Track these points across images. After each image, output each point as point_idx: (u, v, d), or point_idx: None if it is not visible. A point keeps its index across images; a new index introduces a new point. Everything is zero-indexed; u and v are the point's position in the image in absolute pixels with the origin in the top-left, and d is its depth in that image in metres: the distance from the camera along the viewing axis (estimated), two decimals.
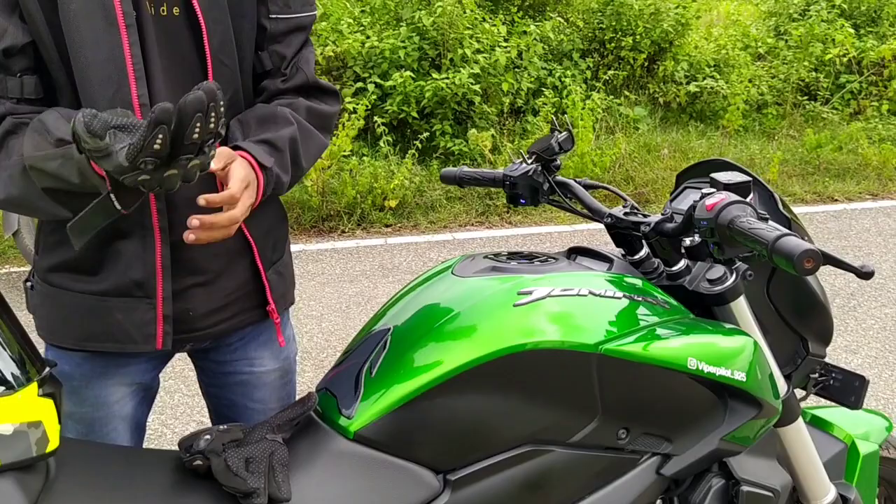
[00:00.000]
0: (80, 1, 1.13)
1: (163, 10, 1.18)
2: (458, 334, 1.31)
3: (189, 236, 1.10)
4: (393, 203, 5.44)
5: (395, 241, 5.16)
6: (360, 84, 6.47)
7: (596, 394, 1.32)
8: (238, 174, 1.14)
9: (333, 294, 4.24)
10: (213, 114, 0.94)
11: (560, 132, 1.68)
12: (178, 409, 3.13)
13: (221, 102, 0.95)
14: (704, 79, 7.52)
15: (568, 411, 1.31)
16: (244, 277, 1.36)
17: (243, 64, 1.29)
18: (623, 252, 1.59)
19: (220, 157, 1.13)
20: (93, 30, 1.14)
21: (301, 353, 3.57)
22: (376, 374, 1.30)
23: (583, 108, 6.43)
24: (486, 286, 1.37)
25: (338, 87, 6.48)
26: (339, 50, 6.57)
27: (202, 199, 1.10)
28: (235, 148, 1.20)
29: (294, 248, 4.98)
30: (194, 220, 1.09)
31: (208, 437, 1.21)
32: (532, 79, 6.94)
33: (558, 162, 1.69)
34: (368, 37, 6.66)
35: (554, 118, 1.79)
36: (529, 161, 1.69)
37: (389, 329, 1.37)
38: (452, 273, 1.43)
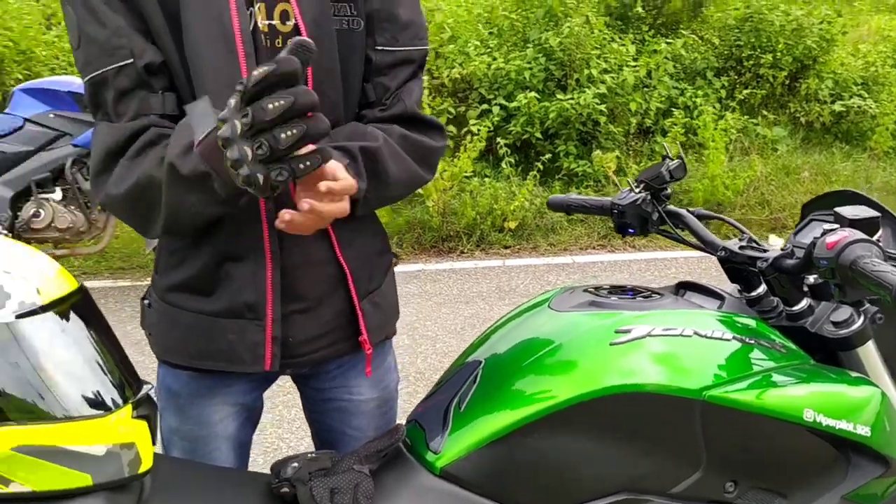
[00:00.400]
0: (202, 28, 1.16)
1: (278, 43, 1.21)
2: (552, 371, 1.25)
3: (284, 216, 1.07)
4: (513, 224, 5.41)
5: (513, 263, 5.12)
6: (484, 106, 6.50)
7: (700, 443, 1.23)
8: (342, 170, 1.12)
9: (450, 315, 4.24)
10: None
11: (671, 160, 1.60)
12: (295, 423, 3.20)
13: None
14: (851, 97, 7.07)
15: (668, 459, 1.23)
16: (341, 306, 1.36)
17: (349, 96, 1.29)
18: (739, 289, 1.49)
19: None
20: (214, 57, 1.17)
21: (415, 373, 3.59)
22: (465, 408, 1.27)
23: (715, 129, 6.18)
24: (582, 322, 1.31)
25: (462, 109, 6.56)
26: (465, 72, 6.62)
27: (324, 185, 1.05)
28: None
29: (413, 267, 5.08)
30: (304, 204, 1.06)
31: (296, 464, 1.22)
32: (662, 98, 6.75)
33: (669, 191, 1.61)
34: (495, 58, 6.69)
35: (665, 145, 1.71)
36: (637, 190, 1.62)
37: (481, 362, 1.34)
38: (549, 307, 1.38)
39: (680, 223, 1.62)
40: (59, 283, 1.06)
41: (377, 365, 1.46)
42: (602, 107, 6.31)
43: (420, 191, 5.44)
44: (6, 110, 4.24)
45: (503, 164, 5.94)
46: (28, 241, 4.23)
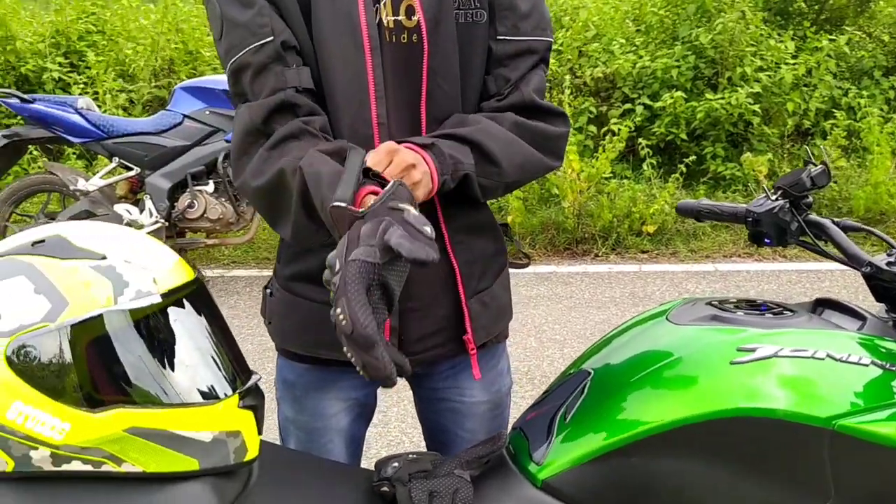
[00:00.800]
0: (331, 22, 1.20)
1: (403, 38, 1.22)
2: (665, 388, 1.19)
3: None
4: (651, 228, 5.22)
5: (650, 269, 4.94)
6: (627, 105, 6.32)
7: (827, 475, 1.12)
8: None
9: (579, 319, 4.16)
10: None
11: (815, 165, 1.47)
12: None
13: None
14: None
15: (790, 491, 1.13)
16: (452, 306, 1.35)
17: (467, 90, 1.28)
18: (886, 308, 1.36)
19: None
20: (341, 50, 1.21)
21: (540, 376, 3.54)
22: (571, 420, 1.22)
23: (881, 132, 5.71)
24: (701, 337, 1.23)
25: (604, 108, 6.42)
26: (608, 71, 6.47)
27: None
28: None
29: (545, 269, 5.01)
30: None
31: (397, 464, 1.22)
32: (823, 98, 6.32)
33: (810, 199, 1.49)
34: (641, 56, 6.49)
35: (808, 149, 1.58)
36: (775, 197, 1.50)
37: (591, 373, 1.28)
38: (667, 318, 1.31)
39: (822, 234, 1.49)
40: (176, 273, 1.11)
41: (489, 367, 1.44)
42: (756, 107, 5.98)
43: (556, 191, 5.36)
44: (168, 107, 4.54)
45: (644, 166, 5.76)
46: (182, 230, 4.53)
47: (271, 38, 1.19)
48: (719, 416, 1.12)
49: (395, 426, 3.14)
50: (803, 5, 7.01)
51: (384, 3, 1.21)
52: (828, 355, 1.16)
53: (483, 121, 1.24)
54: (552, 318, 4.16)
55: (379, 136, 1.22)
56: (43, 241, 1.05)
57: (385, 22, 1.21)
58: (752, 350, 1.16)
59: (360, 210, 1.00)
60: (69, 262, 1.02)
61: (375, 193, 1.03)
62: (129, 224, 4.38)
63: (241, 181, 1.23)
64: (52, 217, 4.49)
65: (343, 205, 1.01)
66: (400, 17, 1.21)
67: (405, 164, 1.12)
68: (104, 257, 1.04)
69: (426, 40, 1.22)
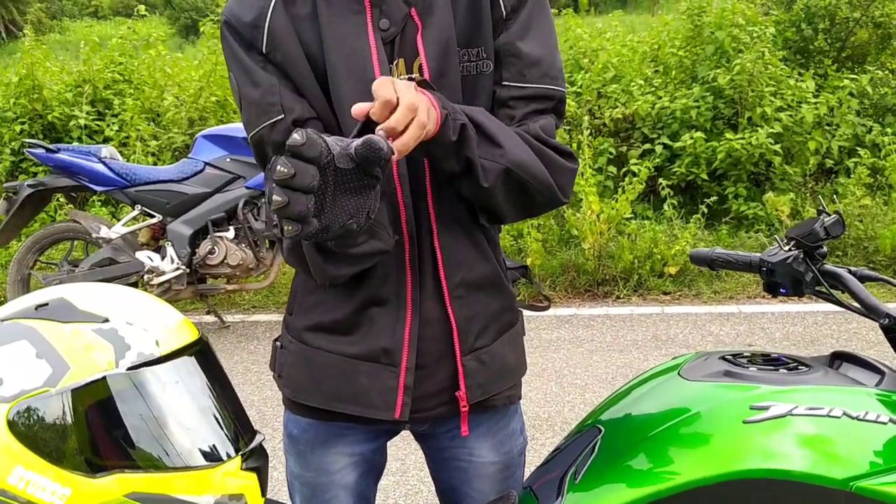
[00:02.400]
0: (347, 84, 1.21)
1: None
2: (677, 447, 1.16)
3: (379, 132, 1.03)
4: (673, 269, 5.17)
5: (672, 311, 4.88)
6: (647, 145, 6.32)
7: None
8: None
9: (601, 363, 4.10)
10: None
11: (828, 215, 1.45)
12: None
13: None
14: None
15: None
16: (453, 365, 1.33)
17: None
18: None
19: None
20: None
21: (561, 423, 3.48)
22: (581, 480, 1.19)
23: None
24: (714, 394, 1.20)
25: (624, 148, 6.41)
26: (627, 111, 6.48)
27: (355, 109, 1.04)
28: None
29: (565, 311, 4.97)
30: (380, 132, 1.02)
31: None
32: (846, 137, 6.27)
33: (824, 249, 1.46)
34: (660, 97, 6.50)
35: (820, 198, 1.56)
36: (788, 247, 1.48)
37: (601, 431, 1.26)
38: (679, 374, 1.28)
39: (839, 284, 1.46)
40: (179, 334, 1.11)
41: (499, 428, 1.41)
42: (777, 147, 5.94)
43: (576, 232, 5.34)
44: (190, 154, 4.61)
45: (665, 206, 5.73)
46: (203, 276, 4.56)
47: (282, 116, 1.22)
48: (733, 478, 1.09)
49: (414, 475, 3.10)
50: (824, 44, 7.00)
51: (396, 64, 1.22)
52: (844, 413, 1.13)
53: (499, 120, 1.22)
54: (573, 361, 4.12)
55: (401, 192, 1.23)
56: (46, 304, 1.05)
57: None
58: (766, 408, 1.14)
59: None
60: (71, 325, 1.03)
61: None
62: (150, 270, 4.43)
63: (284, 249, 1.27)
64: (75, 265, 4.54)
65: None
66: (414, 75, 1.22)
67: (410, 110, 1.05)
68: (106, 320, 1.04)
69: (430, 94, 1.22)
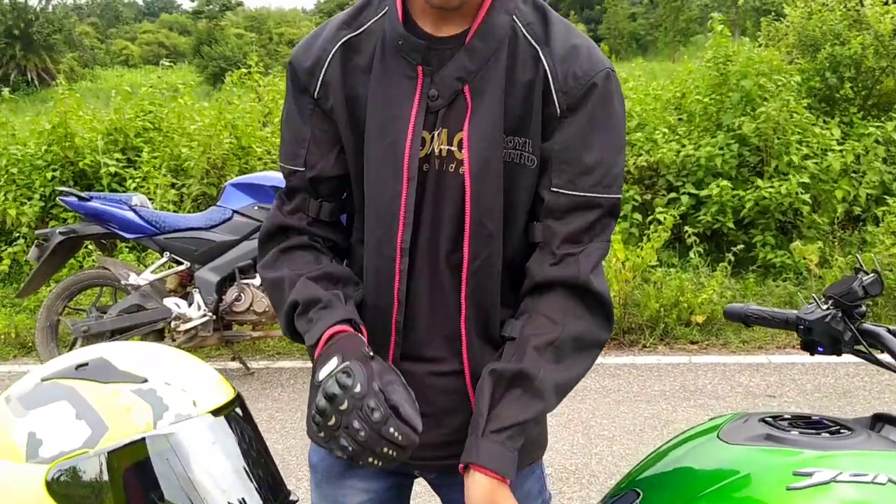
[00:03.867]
0: (378, 148, 1.24)
1: (451, 168, 1.22)
2: None
3: None
4: (700, 318, 5.12)
5: (700, 360, 4.82)
6: (672, 194, 6.31)
7: None
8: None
9: (628, 413, 4.05)
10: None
11: (866, 273, 1.43)
12: None
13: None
14: None
15: None
16: (467, 419, 1.31)
17: (511, 231, 1.25)
18: None
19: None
20: (382, 175, 1.24)
21: (588, 475, 3.43)
22: None
23: None
24: (755, 459, 1.18)
25: (649, 196, 6.41)
26: (652, 160, 6.49)
27: None
28: (467, 466, 1.17)
29: None
30: None
31: None
32: (873, 184, 6.23)
33: (863, 308, 1.44)
34: (684, 145, 6.51)
35: (858, 257, 1.54)
36: (826, 306, 1.46)
37: (640, 494, 1.23)
38: (719, 436, 1.26)
39: (878, 344, 1.43)
40: (216, 393, 1.11)
41: (515, 487, 1.38)
42: (806, 196, 5.90)
43: None
44: (218, 203, 4.66)
45: (691, 254, 5.69)
46: (230, 323, 4.58)
47: (303, 169, 1.30)
48: None
49: None
50: (849, 92, 7.00)
51: (439, 133, 1.21)
52: (889, 480, 1.10)
53: (547, 378, 1.19)
54: (600, 412, 4.06)
55: (400, 260, 1.24)
56: (86, 364, 1.06)
57: (437, 151, 1.22)
58: (810, 474, 1.11)
59: (371, 352, 1.13)
60: (111, 385, 1.03)
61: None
62: (178, 317, 4.45)
63: (261, 267, 1.36)
64: (103, 311, 4.58)
65: (363, 338, 1.16)
66: (453, 148, 1.22)
67: None
68: (145, 380, 1.05)
69: (468, 178, 1.20)
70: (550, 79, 1.19)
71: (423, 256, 1.25)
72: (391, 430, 1.04)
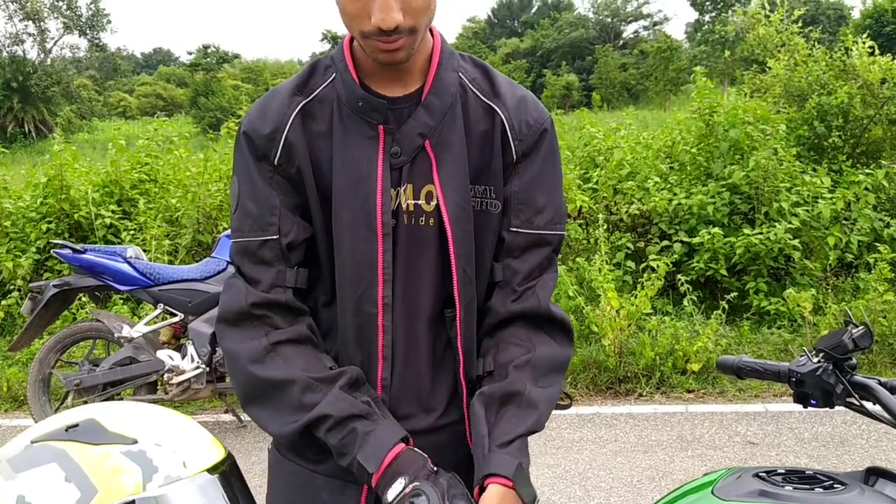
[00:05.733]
0: (348, 209, 1.25)
1: (421, 221, 1.26)
2: None
3: None
4: (696, 366, 5.10)
5: (697, 410, 4.79)
6: (665, 242, 6.35)
7: None
8: None
9: (625, 465, 4.01)
10: None
11: (856, 326, 1.44)
12: None
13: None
14: None
15: None
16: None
17: (480, 274, 1.30)
18: None
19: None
20: (354, 237, 1.25)
21: None
22: None
23: None
24: None
25: (642, 244, 6.44)
26: (644, 208, 6.54)
27: None
28: (487, 476, 1.18)
29: (588, 410, 4.89)
30: None
31: None
32: (864, 231, 6.28)
33: (854, 360, 1.44)
34: (675, 193, 6.57)
35: (847, 310, 1.55)
36: (817, 359, 1.46)
37: None
38: (713, 492, 1.25)
39: (869, 396, 1.43)
40: (207, 453, 1.10)
41: None
42: (796, 241, 5.95)
43: (595, 328, 5.31)
44: (212, 254, 4.67)
45: (685, 302, 5.70)
46: (223, 375, 4.54)
47: (276, 237, 1.26)
48: None
49: None
50: (838, 140, 7.09)
51: (405, 189, 1.25)
52: None
53: (535, 398, 1.24)
54: (597, 463, 4.02)
55: (382, 316, 1.25)
56: (77, 425, 1.06)
57: (405, 206, 1.25)
58: None
59: (433, 467, 1.15)
60: (101, 447, 1.03)
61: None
62: (170, 369, 4.42)
63: (231, 352, 1.25)
64: (95, 364, 4.55)
65: (422, 454, 1.17)
66: (420, 202, 1.25)
67: None
68: (135, 441, 1.05)
69: (449, 228, 1.24)
70: (507, 128, 1.28)
71: (401, 311, 1.26)
72: None
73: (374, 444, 1.15)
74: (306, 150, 1.25)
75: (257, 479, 3.98)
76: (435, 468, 1.14)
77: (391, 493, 1.11)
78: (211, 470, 1.09)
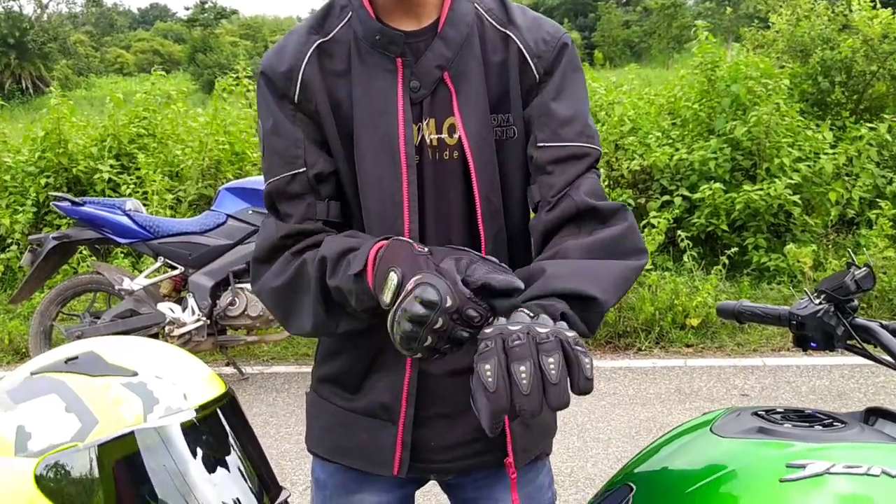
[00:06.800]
0: (371, 143, 1.24)
1: (445, 155, 1.25)
2: None
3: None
4: (695, 321, 5.12)
5: (695, 364, 4.82)
6: (666, 197, 6.32)
7: None
8: None
9: (624, 417, 4.04)
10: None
11: (857, 268, 1.43)
12: None
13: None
14: None
15: None
16: None
17: (509, 202, 1.28)
18: None
19: None
20: (379, 170, 1.23)
21: (584, 478, 3.42)
22: None
23: None
24: (748, 451, 1.17)
25: (642, 200, 6.42)
26: (645, 163, 6.51)
27: None
28: None
29: None
30: None
31: None
32: (866, 187, 6.25)
33: (855, 302, 1.44)
34: (677, 149, 6.53)
35: (851, 252, 1.54)
36: (818, 301, 1.46)
37: (632, 489, 1.23)
38: (711, 430, 1.26)
39: (871, 338, 1.43)
40: (207, 387, 1.10)
41: (527, 481, 1.39)
42: (795, 197, 5.93)
43: None
44: (212, 207, 4.66)
45: (685, 258, 5.70)
46: (224, 328, 4.56)
47: (304, 169, 1.25)
48: None
49: None
50: (841, 96, 7.03)
51: (427, 123, 1.24)
52: (883, 472, 1.10)
53: (550, 266, 1.11)
54: (595, 415, 4.06)
55: None
56: (76, 357, 1.05)
57: (428, 141, 1.24)
58: (803, 467, 1.11)
59: (424, 249, 1.05)
60: (101, 379, 1.03)
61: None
62: (171, 322, 4.44)
63: (260, 284, 1.27)
64: (97, 316, 4.57)
65: (408, 240, 1.09)
66: (443, 136, 1.24)
67: None
68: (135, 373, 1.04)
69: (471, 158, 1.23)
70: (524, 51, 1.26)
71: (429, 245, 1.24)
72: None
73: (359, 254, 1.11)
74: (324, 88, 1.25)
75: (258, 429, 4.00)
76: (426, 250, 1.06)
77: (387, 292, 1.03)
78: (212, 403, 1.09)
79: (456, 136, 1.24)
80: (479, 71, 1.24)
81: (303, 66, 1.25)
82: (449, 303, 0.97)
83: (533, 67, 1.25)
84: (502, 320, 0.94)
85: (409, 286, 0.99)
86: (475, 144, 1.23)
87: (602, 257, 1.15)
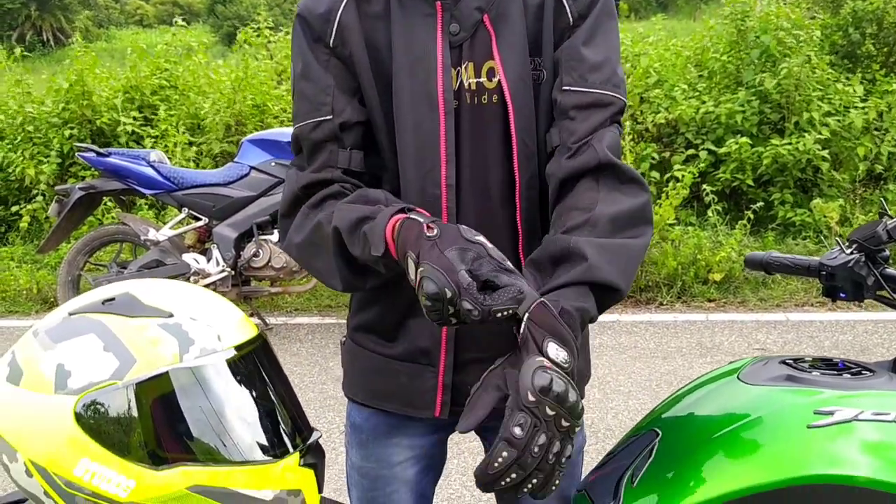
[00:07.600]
0: (409, 88, 1.23)
1: (484, 100, 1.24)
2: (738, 452, 1.14)
3: None
4: (718, 276, 5.10)
5: (717, 318, 4.81)
6: (691, 151, 6.24)
7: None
8: None
9: (644, 370, 4.06)
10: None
11: (890, 217, 1.42)
12: None
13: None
14: None
15: None
16: None
17: (541, 145, 1.27)
18: None
19: None
20: (416, 116, 1.23)
21: (604, 430, 3.46)
22: (638, 483, 1.18)
23: None
24: (776, 398, 1.18)
25: (667, 154, 6.35)
26: (671, 116, 6.42)
27: None
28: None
29: (608, 318, 4.92)
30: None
31: None
32: (895, 142, 6.14)
33: (886, 252, 1.43)
34: (704, 101, 6.42)
35: (883, 200, 1.53)
36: (849, 251, 1.45)
37: (658, 434, 1.24)
38: (738, 378, 1.26)
39: None
40: (240, 330, 1.12)
41: None
42: (825, 152, 5.83)
43: None
44: (235, 159, 4.67)
45: (709, 212, 5.65)
46: (248, 279, 4.60)
47: (330, 117, 1.25)
48: (796, 483, 1.07)
49: (456, 479, 3.09)
50: (872, 48, 6.87)
51: (465, 67, 1.23)
52: None
53: (586, 248, 1.11)
54: (616, 368, 4.08)
55: (447, 198, 1.23)
56: (113, 299, 1.07)
57: (467, 85, 1.23)
58: (831, 413, 1.11)
59: (434, 233, 1.04)
60: (137, 320, 1.04)
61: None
62: (196, 272, 4.49)
63: (287, 241, 1.29)
64: (123, 266, 4.63)
65: (419, 219, 1.07)
66: (482, 80, 1.23)
67: None
68: (171, 315, 1.06)
69: (510, 101, 1.22)
70: None
71: (469, 192, 1.24)
72: (500, 308, 1.01)
73: (376, 232, 1.11)
74: (361, 32, 1.24)
75: None
76: (436, 231, 1.05)
77: (411, 273, 1.04)
78: (245, 345, 1.11)
79: (495, 79, 1.23)
80: (519, 13, 1.23)
81: (340, 9, 1.24)
82: (449, 294, 0.99)
83: (568, 10, 1.24)
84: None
85: (416, 277, 1.03)
86: (515, 88, 1.22)
87: (625, 230, 1.16)
